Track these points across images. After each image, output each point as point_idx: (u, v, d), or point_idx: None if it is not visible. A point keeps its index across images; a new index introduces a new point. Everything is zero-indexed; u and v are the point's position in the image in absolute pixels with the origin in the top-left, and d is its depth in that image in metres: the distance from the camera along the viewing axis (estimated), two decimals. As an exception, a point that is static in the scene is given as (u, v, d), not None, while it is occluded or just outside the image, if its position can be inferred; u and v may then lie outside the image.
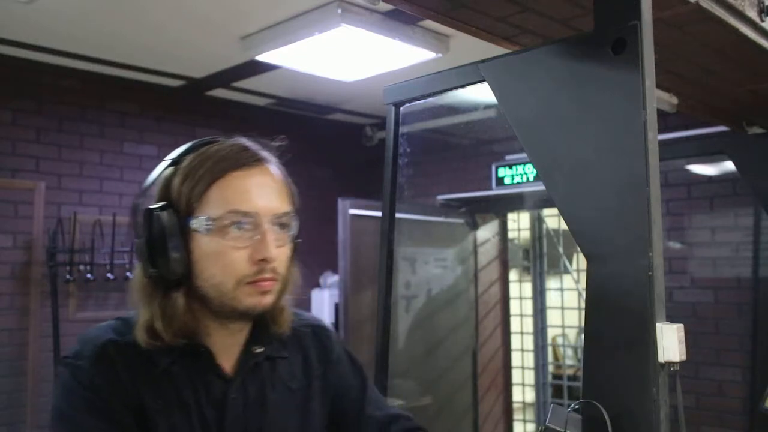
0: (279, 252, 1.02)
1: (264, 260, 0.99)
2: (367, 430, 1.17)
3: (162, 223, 0.98)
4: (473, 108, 4.24)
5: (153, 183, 1.04)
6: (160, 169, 1.04)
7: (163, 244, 0.98)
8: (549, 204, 4.03)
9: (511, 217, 4.70)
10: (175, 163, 1.04)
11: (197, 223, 0.99)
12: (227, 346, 1.05)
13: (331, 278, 4.79)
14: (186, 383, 1.00)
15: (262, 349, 1.08)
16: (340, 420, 1.18)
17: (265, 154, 1.08)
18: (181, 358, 1.01)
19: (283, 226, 1.04)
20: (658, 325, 0.84)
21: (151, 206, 1.00)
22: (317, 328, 1.21)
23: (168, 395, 0.99)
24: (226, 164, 1.01)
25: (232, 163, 1.02)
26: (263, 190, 1.02)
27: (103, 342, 1.00)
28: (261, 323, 1.08)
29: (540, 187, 3.74)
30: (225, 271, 0.99)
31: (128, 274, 3.97)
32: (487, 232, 4.62)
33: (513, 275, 4.79)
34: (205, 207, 0.99)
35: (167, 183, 1.03)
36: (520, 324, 4.70)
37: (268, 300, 1.02)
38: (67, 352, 1.01)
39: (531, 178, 4.26)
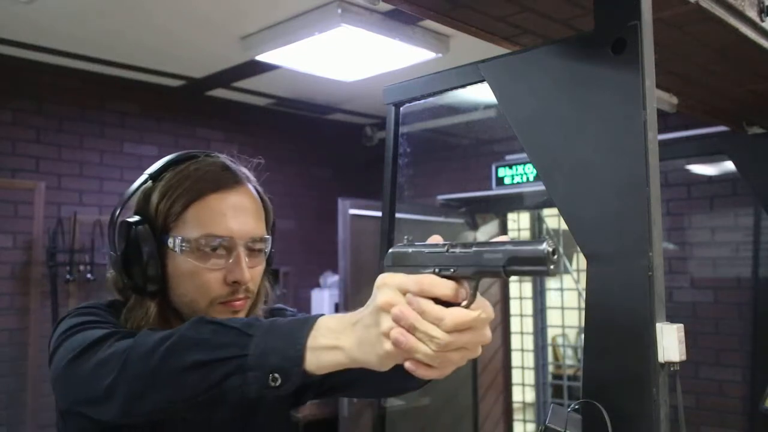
0: (252, 272, 1.04)
1: (237, 282, 1.01)
2: None
3: (138, 238, 1.00)
4: (473, 108, 4.24)
5: (132, 195, 1.06)
6: (139, 182, 1.06)
7: (139, 258, 1.00)
8: (549, 204, 4.03)
9: (511, 217, 4.70)
10: (154, 177, 1.05)
11: (173, 242, 1.01)
12: None
13: (331, 278, 4.79)
14: None
15: None
16: None
17: (243, 174, 1.09)
18: None
19: (258, 247, 1.05)
20: (658, 325, 0.84)
21: (129, 220, 1.02)
22: (276, 314, 1.19)
23: None
24: (204, 185, 1.02)
25: (211, 185, 1.02)
26: (239, 213, 1.03)
27: (110, 300, 1.06)
28: None
29: (540, 187, 3.73)
30: (198, 291, 1.01)
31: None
32: (487, 232, 4.61)
33: (513, 275, 4.78)
34: (182, 227, 1.01)
35: (146, 198, 1.04)
36: (520, 324, 4.70)
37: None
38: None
39: (531, 178, 4.26)
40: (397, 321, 0.69)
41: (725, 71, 1.43)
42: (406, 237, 0.82)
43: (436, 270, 0.73)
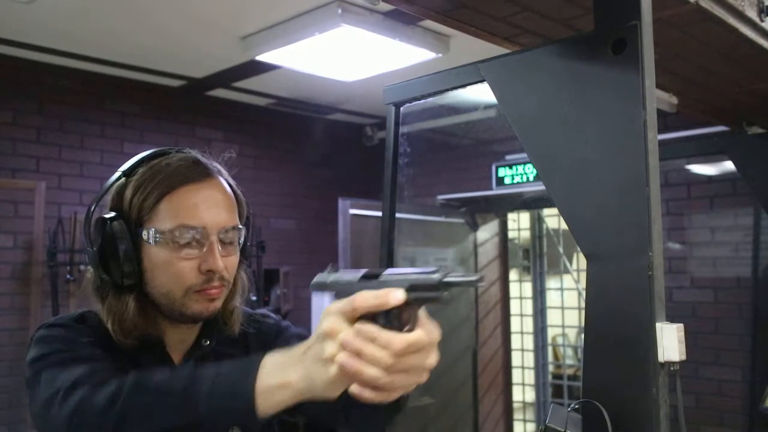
0: (226, 261, 1.06)
1: (211, 271, 1.04)
2: None
3: (114, 232, 1.03)
4: (473, 108, 4.24)
5: (106, 192, 1.09)
6: (113, 179, 1.09)
7: (115, 252, 1.03)
8: (549, 204, 4.03)
9: (511, 217, 4.70)
10: (127, 174, 1.08)
11: (147, 234, 1.04)
12: (179, 342, 1.12)
13: (332, 278, 4.79)
14: (144, 365, 1.05)
15: (209, 342, 1.13)
16: None
17: (215, 167, 1.11)
18: (138, 345, 1.06)
19: (230, 237, 1.08)
20: (658, 325, 0.84)
21: (104, 216, 1.05)
22: (259, 319, 1.23)
23: (127, 369, 1.03)
24: (176, 179, 1.05)
25: (182, 178, 1.05)
26: (211, 204, 1.06)
27: (81, 312, 1.08)
28: (213, 320, 1.13)
29: (540, 187, 3.73)
30: (173, 281, 1.04)
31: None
32: (487, 232, 4.62)
33: (513, 275, 4.79)
34: (155, 220, 1.04)
35: (119, 194, 1.07)
36: (520, 324, 4.70)
37: (215, 306, 1.07)
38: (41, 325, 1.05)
39: (531, 178, 4.26)
40: (345, 347, 0.72)
41: (725, 71, 1.44)
42: (330, 264, 0.89)
43: None
